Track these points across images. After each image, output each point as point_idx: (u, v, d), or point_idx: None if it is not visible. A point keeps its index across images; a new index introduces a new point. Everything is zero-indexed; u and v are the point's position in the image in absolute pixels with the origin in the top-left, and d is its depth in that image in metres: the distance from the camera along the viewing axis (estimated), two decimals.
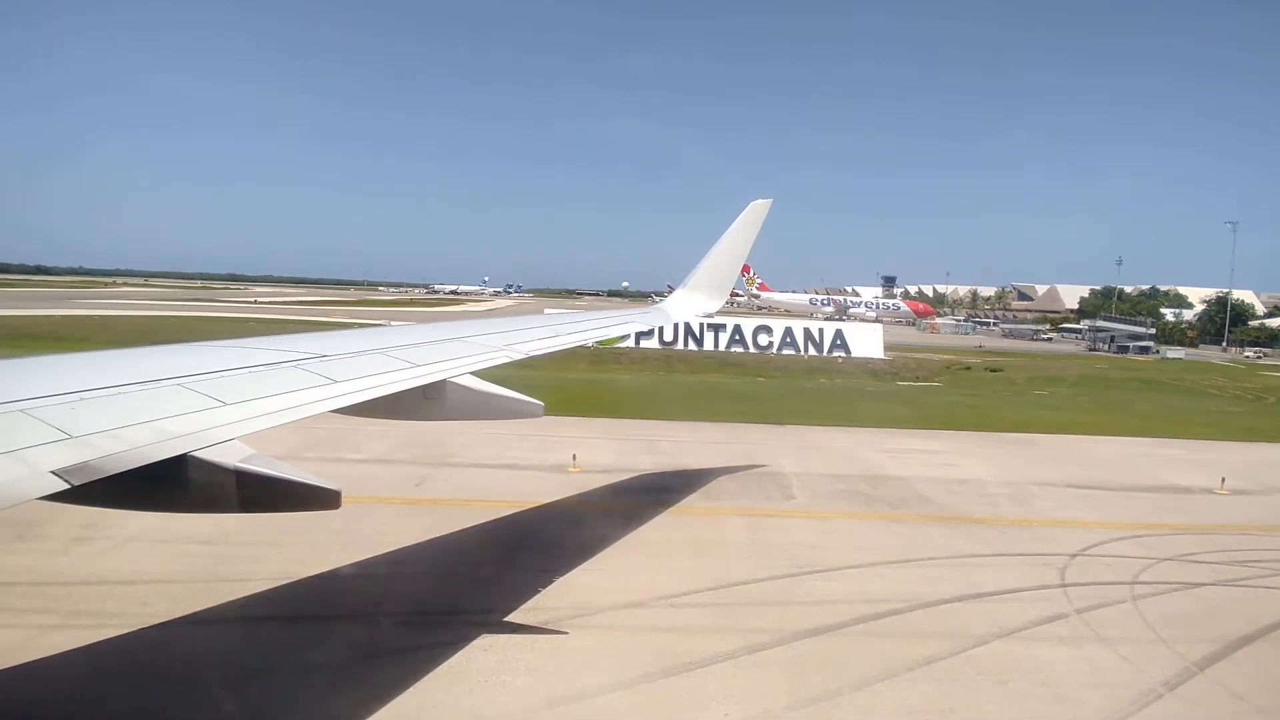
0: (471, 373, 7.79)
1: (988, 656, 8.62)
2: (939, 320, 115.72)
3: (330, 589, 9.83)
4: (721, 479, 16.06)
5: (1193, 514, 15.13)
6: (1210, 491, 16.90)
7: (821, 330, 52.87)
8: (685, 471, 16.61)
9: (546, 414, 9.16)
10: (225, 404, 4.88)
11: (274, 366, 5.92)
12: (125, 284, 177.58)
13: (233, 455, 4.57)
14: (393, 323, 17.61)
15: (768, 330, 51.88)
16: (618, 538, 11.95)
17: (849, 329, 54.59)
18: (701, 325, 48.69)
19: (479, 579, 10.44)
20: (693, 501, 14.37)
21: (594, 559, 11.01)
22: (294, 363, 6.06)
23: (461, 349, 7.92)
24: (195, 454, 4.39)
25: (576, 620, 8.99)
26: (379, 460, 16.22)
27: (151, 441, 4.21)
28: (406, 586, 10.20)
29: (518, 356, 8.24)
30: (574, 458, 16.53)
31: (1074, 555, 12.11)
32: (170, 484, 4.45)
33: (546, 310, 44.29)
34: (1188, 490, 17.08)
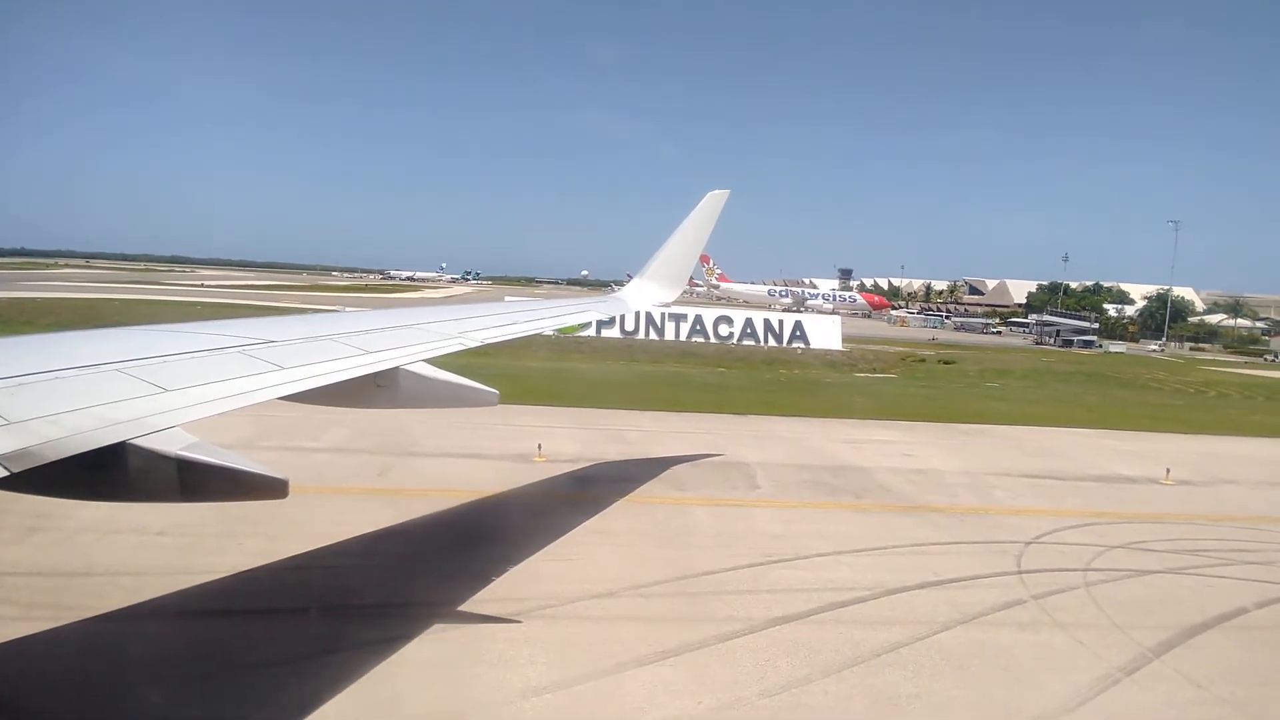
0: (425, 360, 7.60)
1: (950, 642, 8.73)
2: (904, 314, 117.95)
3: (288, 580, 9.51)
4: (686, 468, 16.01)
5: (1140, 503, 15.57)
6: (1156, 482, 17.43)
7: (781, 322, 53.26)
8: (650, 461, 16.50)
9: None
10: (167, 390, 4.70)
11: (219, 352, 5.73)
12: (67, 265, 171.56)
13: (174, 443, 4.48)
14: (346, 309, 17.17)
15: (728, 321, 52.12)
16: (585, 527, 11.81)
17: (808, 321, 55.05)
18: (663, 315, 48.70)
19: (444, 569, 10.19)
20: (658, 491, 14.28)
21: (561, 549, 10.86)
22: (239, 348, 5.86)
23: (415, 336, 7.72)
24: (135, 442, 4.24)
25: (546, 610, 8.85)
26: (340, 449, 15.76)
27: (91, 428, 4.05)
28: (368, 577, 9.92)
29: (473, 344, 8.06)
30: (539, 447, 16.28)
31: (1029, 543, 12.36)
32: (110, 472, 4.36)
33: (506, 298, 43.84)
34: (1134, 480, 17.59)
